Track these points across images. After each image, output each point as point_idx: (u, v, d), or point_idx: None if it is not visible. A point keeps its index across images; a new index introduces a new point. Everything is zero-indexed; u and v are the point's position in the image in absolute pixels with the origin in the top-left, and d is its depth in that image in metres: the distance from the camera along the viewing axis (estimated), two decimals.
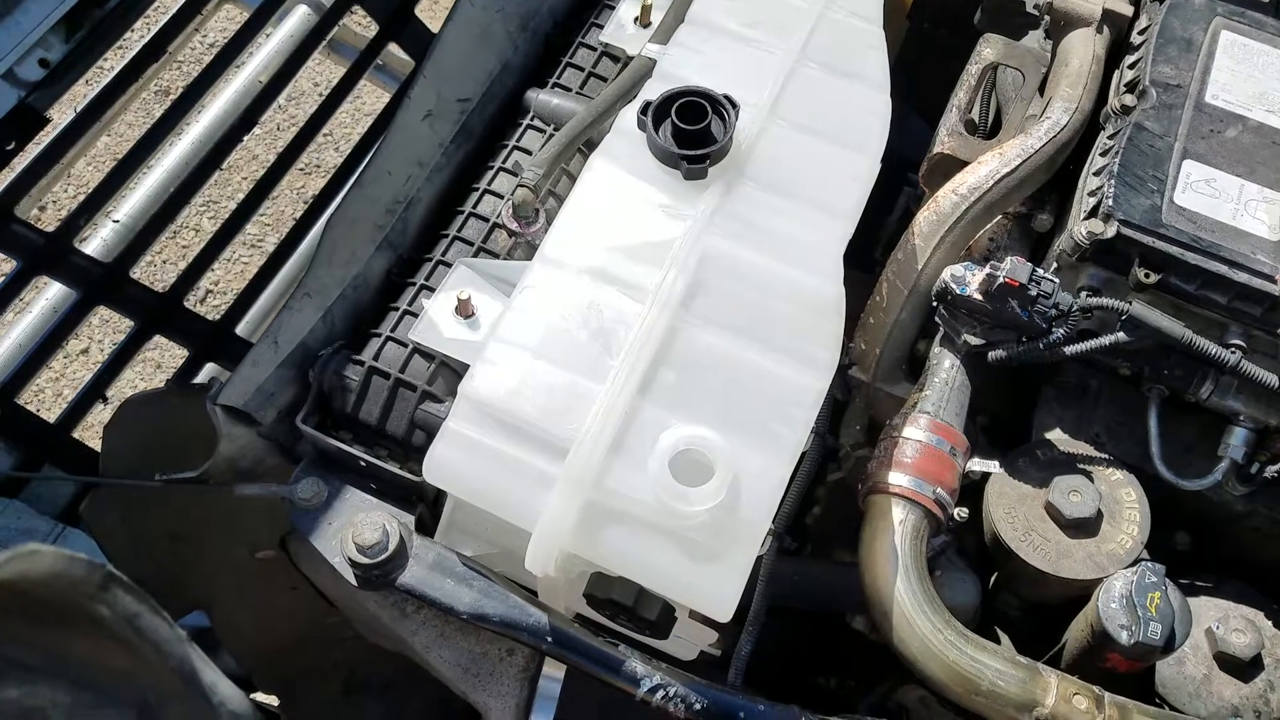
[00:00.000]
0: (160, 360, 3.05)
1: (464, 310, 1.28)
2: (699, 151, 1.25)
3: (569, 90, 1.53)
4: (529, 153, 1.46)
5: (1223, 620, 1.34)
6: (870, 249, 1.86)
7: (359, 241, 1.35)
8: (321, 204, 2.25)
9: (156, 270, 3.24)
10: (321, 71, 3.57)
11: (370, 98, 3.54)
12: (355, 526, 1.17)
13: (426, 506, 1.27)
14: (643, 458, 1.12)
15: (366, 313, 1.37)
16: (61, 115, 2.04)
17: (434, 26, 1.58)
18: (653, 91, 1.31)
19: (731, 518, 1.11)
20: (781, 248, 1.25)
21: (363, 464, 1.25)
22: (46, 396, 3.02)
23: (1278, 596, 1.41)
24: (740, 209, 1.27)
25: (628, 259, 1.23)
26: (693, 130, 1.25)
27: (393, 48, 2.44)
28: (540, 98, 1.51)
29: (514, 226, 1.38)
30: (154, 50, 2.12)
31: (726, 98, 1.28)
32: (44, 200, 2.98)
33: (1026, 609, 1.43)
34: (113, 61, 2.41)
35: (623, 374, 1.16)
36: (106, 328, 3.11)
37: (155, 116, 2.13)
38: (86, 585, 0.54)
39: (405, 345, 1.30)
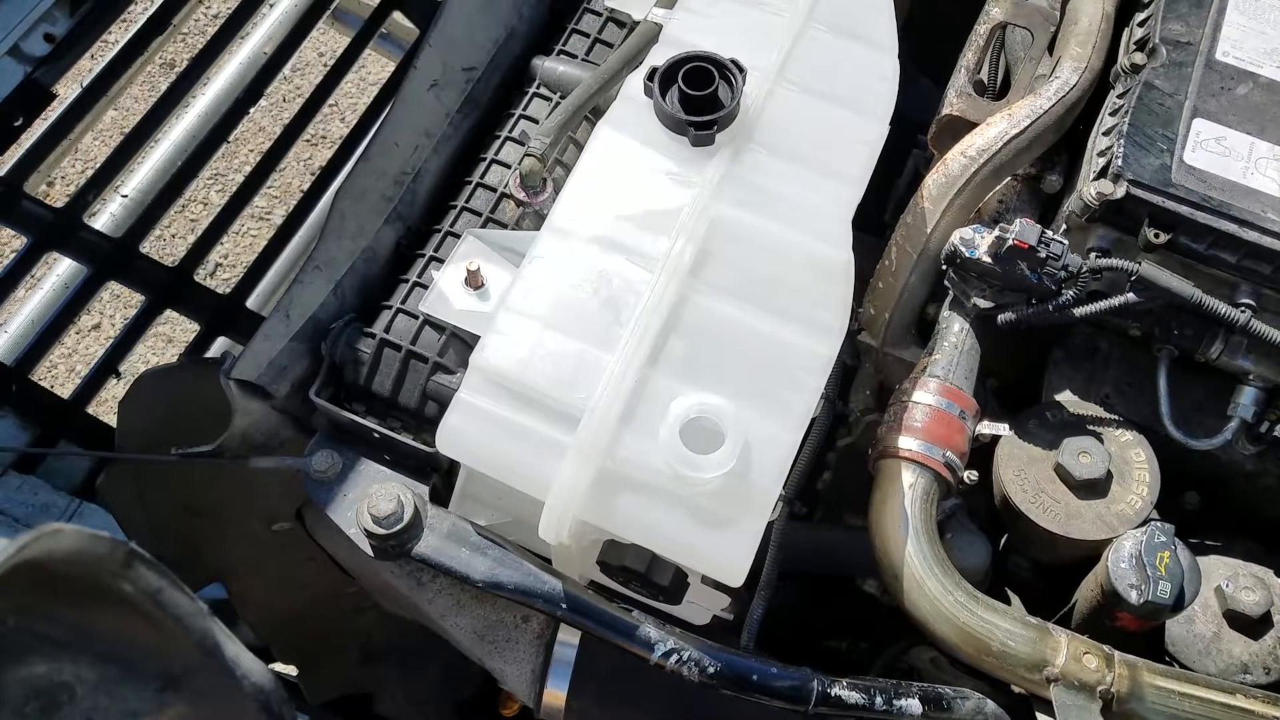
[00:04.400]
0: (172, 335, 3.06)
1: (473, 281, 1.28)
2: (706, 118, 1.24)
3: (575, 57, 1.52)
4: (536, 121, 1.46)
5: (1232, 578, 1.35)
6: (880, 212, 1.85)
7: (367, 214, 1.35)
8: (329, 175, 2.25)
9: (166, 244, 3.25)
10: (326, 41, 3.55)
11: (375, 67, 3.52)
12: (370, 498, 1.18)
13: (440, 477, 1.28)
14: (653, 426, 1.13)
15: (376, 285, 1.37)
16: (68, 90, 2.04)
17: None
18: (659, 57, 1.30)
19: (742, 484, 1.12)
20: (790, 214, 1.25)
21: (376, 436, 1.26)
22: (60, 372, 3.04)
23: None
24: (748, 175, 1.26)
25: (636, 227, 1.23)
26: (699, 96, 1.24)
27: (397, 16, 2.43)
28: (546, 65, 1.50)
29: (522, 196, 1.38)
30: (159, 23, 2.12)
31: (733, 62, 1.27)
32: (52, 176, 2.98)
33: (1037, 570, 1.44)
34: (117, 34, 2.41)
35: (632, 342, 1.16)
36: (118, 302, 3.12)
37: (161, 90, 2.13)
38: (110, 562, 0.55)
39: (416, 317, 1.30)
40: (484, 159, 1.44)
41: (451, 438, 1.16)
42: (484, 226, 1.38)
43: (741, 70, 1.27)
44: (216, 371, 1.22)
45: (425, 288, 1.32)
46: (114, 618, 0.57)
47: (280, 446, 1.30)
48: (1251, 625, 1.33)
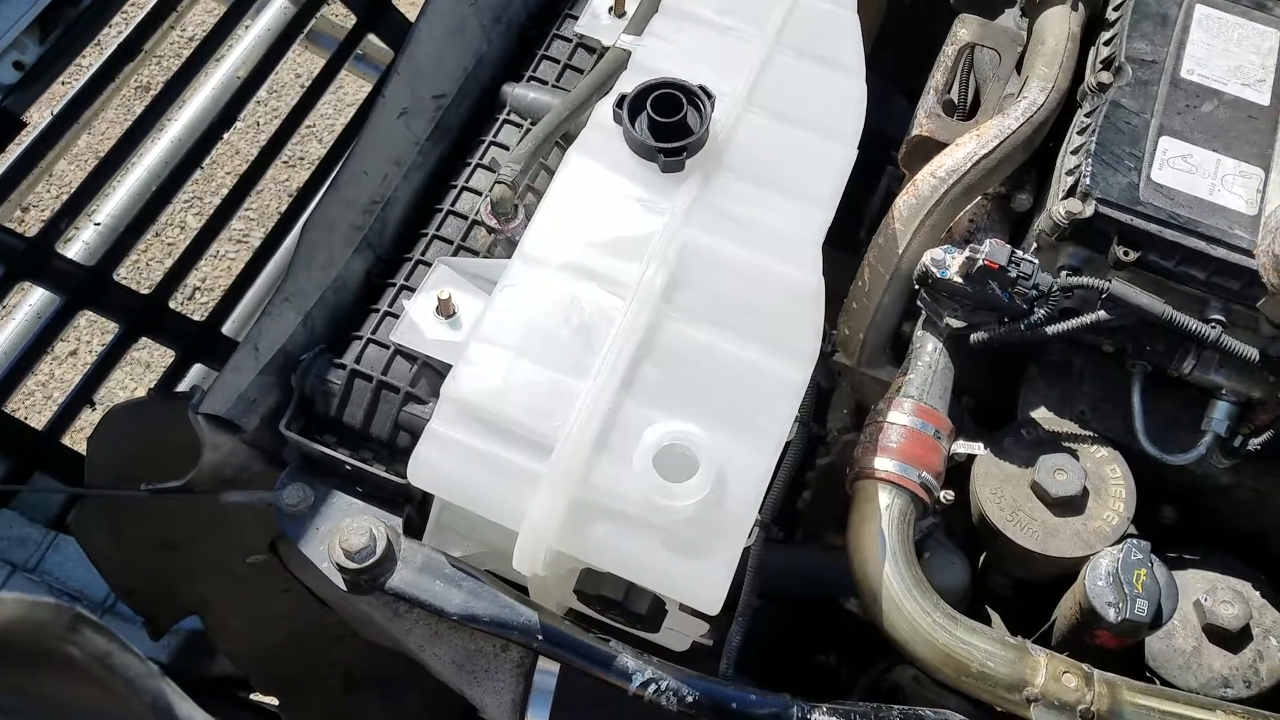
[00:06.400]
0: (149, 360, 3.04)
1: (445, 310, 1.28)
2: (675, 144, 1.24)
3: (545, 83, 1.52)
4: (506, 148, 1.46)
5: (1210, 592, 1.35)
6: (854, 229, 1.86)
7: (337, 244, 1.35)
8: (306, 196, 2.25)
9: (142, 269, 3.23)
10: (302, 63, 3.55)
11: (352, 88, 3.52)
12: (342, 532, 1.17)
13: (414, 508, 1.28)
14: (627, 453, 1.13)
15: (347, 315, 1.36)
16: (40, 116, 2.03)
17: (413, 16, 1.56)
18: (628, 83, 1.30)
19: (717, 511, 1.12)
20: (760, 239, 1.25)
21: (348, 468, 1.26)
22: (36, 400, 3.01)
23: (1264, 567, 1.42)
24: (718, 200, 1.26)
25: (607, 254, 1.22)
26: (668, 123, 1.24)
27: (372, 37, 2.43)
28: (516, 92, 1.50)
29: (493, 223, 1.37)
30: (130, 50, 2.11)
31: (702, 88, 1.27)
32: (26, 202, 2.96)
33: (1016, 587, 1.44)
34: (91, 59, 2.40)
35: (605, 370, 1.16)
36: (94, 329, 3.10)
37: (135, 113, 2.12)
38: (54, 628, 0.54)
39: (387, 347, 1.30)
40: (455, 186, 1.44)
41: (424, 469, 1.15)
42: (455, 254, 1.38)
43: (710, 96, 1.27)
44: (185, 406, 1.21)
45: (396, 317, 1.31)
46: (61, 682, 0.56)
47: (252, 480, 1.29)
48: (1231, 639, 1.33)
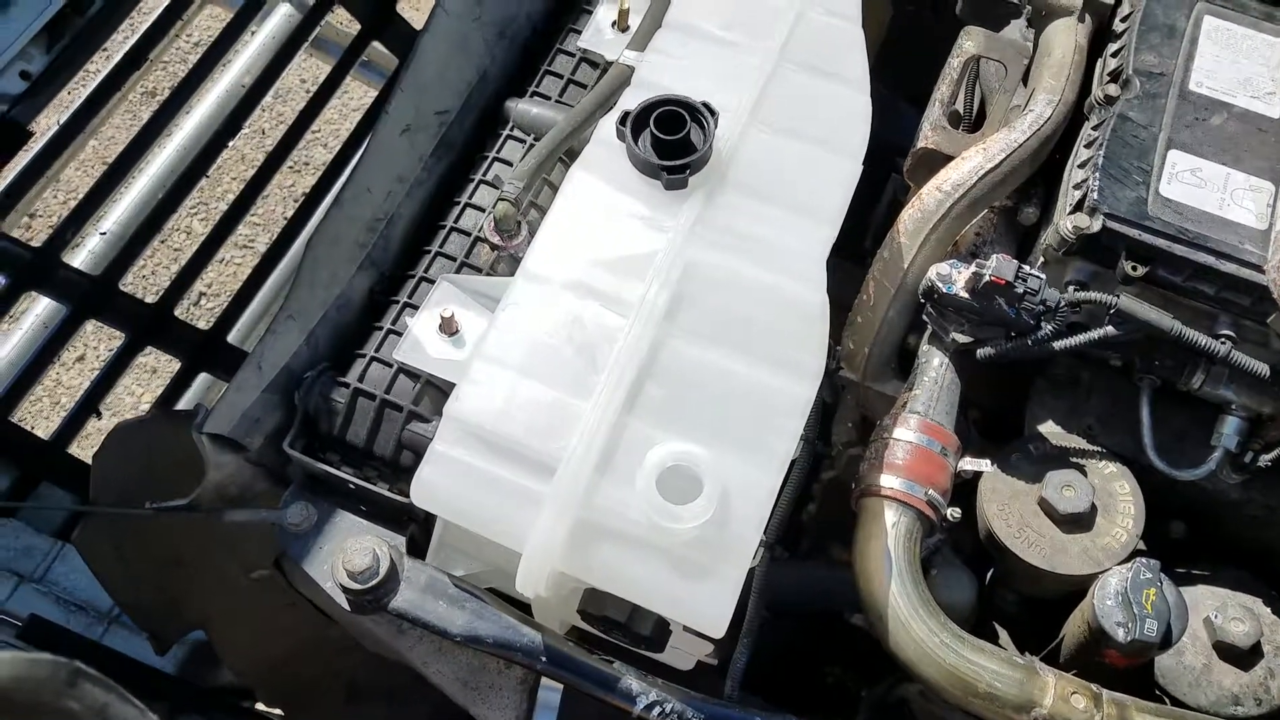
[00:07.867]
0: (157, 366, 3.05)
1: (448, 328, 1.28)
2: (679, 162, 1.23)
3: (548, 98, 1.52)
4: (509, 164, 1.45)
5: (1221, 609, 1.34)
6: (859, 238, 1.85)
7: (340, 261, 1.34)
8: (312, 202, 2.25)
9: (149, 276, 3.23)
10: (308, 68, 3.54)
11: (357, 93, 3.51)
12: (345, 552, 1.17)
13: (418, 526, 1.28)
14: (631, 474, 1.12)
15: (350, 333, 1.36)
16: (48, 124, 2.03)
17: (418, 23, 1.55)
18: (632, 99, 1.30)
19: (721, 533, 1.11)
20: (765, 256, 1.24)
21: (351, 487, 1.25)
22: (44, 406, 3.02)
23: (1275, 583, 1.41)
24: (722, 218, 1.26)
25: (610, 273, 1.22)
26: (672, 140, 1.24)
27: (377, 44, 2.43)
28: (520, 107, 1.50)
29: (496, 240, 1.37)
30: (136, 57, 2.11)
31: (705, 105, 1.26)
32: (33, 208, 2.97)
33: (1024, 603, 1.43)
34: (99, 65, 2.40)
35: (608, 390, 1.15)
36: (102, 334, 3.10)
37: (142, 119, 2.12)
38: (53, 683, 0.54)
39: (390, 365, 1.30)
40: (458, 203, 1.44)
41: (426, 490, 1.15)
42: (459, 271, 1.37)
43: (713, 113, 1.26)
44: (189, 424, 1.21)
45: (399, 335, 1.31)
46: None
47: (256, 498, 1.29)
48: (1241, 656, 1.32)
